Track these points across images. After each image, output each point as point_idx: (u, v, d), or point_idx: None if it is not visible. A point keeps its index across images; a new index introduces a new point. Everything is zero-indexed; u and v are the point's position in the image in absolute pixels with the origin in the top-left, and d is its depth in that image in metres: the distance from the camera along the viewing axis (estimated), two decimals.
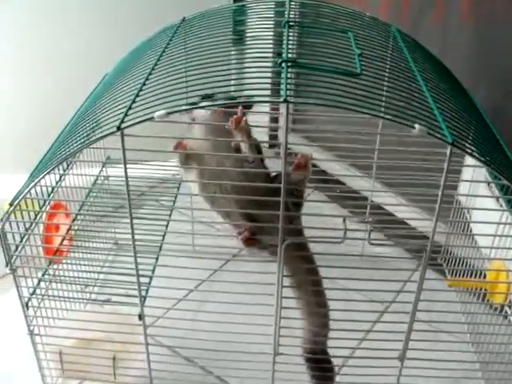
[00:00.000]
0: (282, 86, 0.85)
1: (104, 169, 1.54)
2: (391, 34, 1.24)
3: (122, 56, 1.37)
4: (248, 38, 1.18)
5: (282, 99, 0.82)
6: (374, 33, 1.20)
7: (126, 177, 0.90)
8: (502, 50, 1.42)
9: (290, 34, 1.11)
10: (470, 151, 0.87)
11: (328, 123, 1.27)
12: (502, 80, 1.44)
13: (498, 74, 1.46)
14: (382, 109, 0.86)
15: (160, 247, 1.25)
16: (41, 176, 0.97)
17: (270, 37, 1.09)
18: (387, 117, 0.84)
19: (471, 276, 1.31)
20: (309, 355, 1.13)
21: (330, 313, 1.11)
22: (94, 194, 1.49)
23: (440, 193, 0.88)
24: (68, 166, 1.23)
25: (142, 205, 1.45)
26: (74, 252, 1.29)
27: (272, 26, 1.15)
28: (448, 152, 0.84)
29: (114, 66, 1.36)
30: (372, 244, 0.93)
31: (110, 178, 1.54)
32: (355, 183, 1.61)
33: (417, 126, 0.83)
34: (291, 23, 1.10)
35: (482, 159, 0.89)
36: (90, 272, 1.41)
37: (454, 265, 1.41)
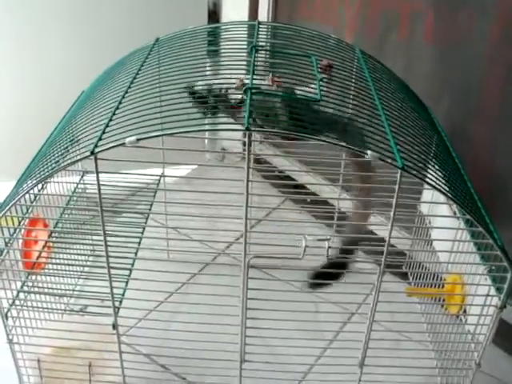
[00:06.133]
0: (245, 114, 0.91)
1: (83, 178, 1.59)
2: (355, 56, 1.30)
3: (99, 73, 1.43)
4: (221, 60, 1.24)
5: (244, 127, 0.88)
6: (339, 55, 1.27)
7: (100, 199, 0.96)
8: (462, 69, 1.50)
9: (262, 57, 1.18)
10: (420, 176, 0.94)
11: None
12: (461, 99, 1.51)
13: (458, 93, 1.53)
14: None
15: (136, 253, 1.29)
16: (12, 203, 1.03)
17: (242, 59, 1.15)
18: (341, 143, 0.90)
19: (433, 279, 1.38)
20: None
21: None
22: (73, 203, 1.54)
23: (392, 212, 0.95)
24: (43, 185, 1.28)
25: (120, 212, 1.50)
26: (52, 263, 1.34)
27: (244, 47, 1.21)
28: (398, 176, 0.91)
29: (91, 83, 1.42)
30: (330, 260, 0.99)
31: (89, 186, 1.59)
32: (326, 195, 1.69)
33: (369, 152, 0.90)
34: (258, 48, 1.16)
35: (436, 186, 0.96)
36: (66, 284, 1.46)
37: (417, 273, 1.48)
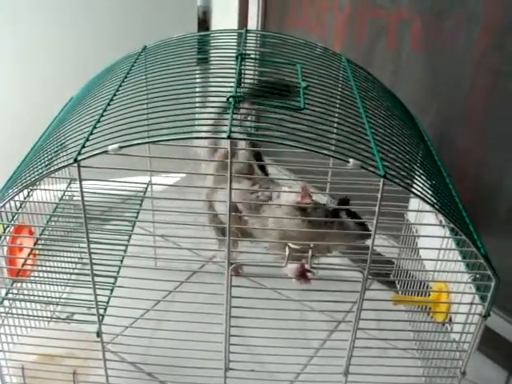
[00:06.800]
0: (228, 122, 0.91)
1: (70, 185, 1.59)
2: (341, 65, 1.30)
3: (85, 78, 1.43)
4: (209, 68, 1.24)
5: (225, 135, 0.88)
6: (324, 64, 1.27)
7: (84, 206, 0.96)
8: (449, 76, 1.50)
9: (250, 65, 1.18)
10: (403, 184, 0.94)
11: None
12: (448, 106, 1.52)
13: (445, 100, 1.53)
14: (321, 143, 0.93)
15: (121, 260, 1.29)
16: None
17: (231, 67, 1.15)
18: (323, 151, 0.90)
19: (420, 288, 1.38)
20: None
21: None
22: (60, 210, 1.54)
23: (375, 220, 0.95)
24: (29, 192, 1.28)
25: (106, 220, 1.50)
26: (38, 271, 1.34)
27: (232, 56, 1.21)
28: (380, 184, 0.91)
29: (79, 90, 1.42)
30: (313, 268, 0.99)
31: (76, 194, 1.59)
32: None
33: (351, 160, 0.90)
34: (244, 56, 1.17)
35: (419, 194, 0.96)
36: (52, 292, 1.45)
37: (405, 281, 1.48)
